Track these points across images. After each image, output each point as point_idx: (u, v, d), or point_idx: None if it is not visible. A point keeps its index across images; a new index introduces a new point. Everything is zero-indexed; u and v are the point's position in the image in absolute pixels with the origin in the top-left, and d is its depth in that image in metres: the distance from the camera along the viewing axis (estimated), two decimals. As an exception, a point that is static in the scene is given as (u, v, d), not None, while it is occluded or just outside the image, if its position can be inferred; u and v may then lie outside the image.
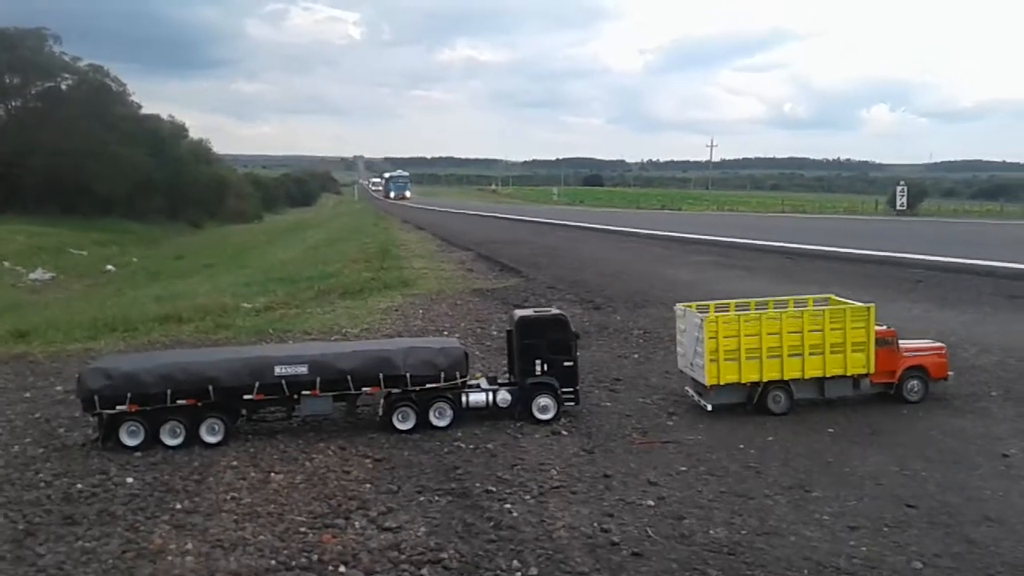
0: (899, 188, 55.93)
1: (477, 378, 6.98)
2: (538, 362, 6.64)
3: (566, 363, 6.67)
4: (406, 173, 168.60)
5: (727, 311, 6.96)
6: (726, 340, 6.51)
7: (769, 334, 6.54)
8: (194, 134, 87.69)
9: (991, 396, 6.84)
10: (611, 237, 29.07)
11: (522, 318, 6.76)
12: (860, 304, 6.69)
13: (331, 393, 6.40)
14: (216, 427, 6.19)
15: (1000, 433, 5.91)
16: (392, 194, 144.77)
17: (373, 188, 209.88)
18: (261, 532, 4.64)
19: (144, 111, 73.79)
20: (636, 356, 8.98)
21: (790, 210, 64.62)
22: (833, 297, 7.18)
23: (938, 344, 7.03)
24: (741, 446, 5.87)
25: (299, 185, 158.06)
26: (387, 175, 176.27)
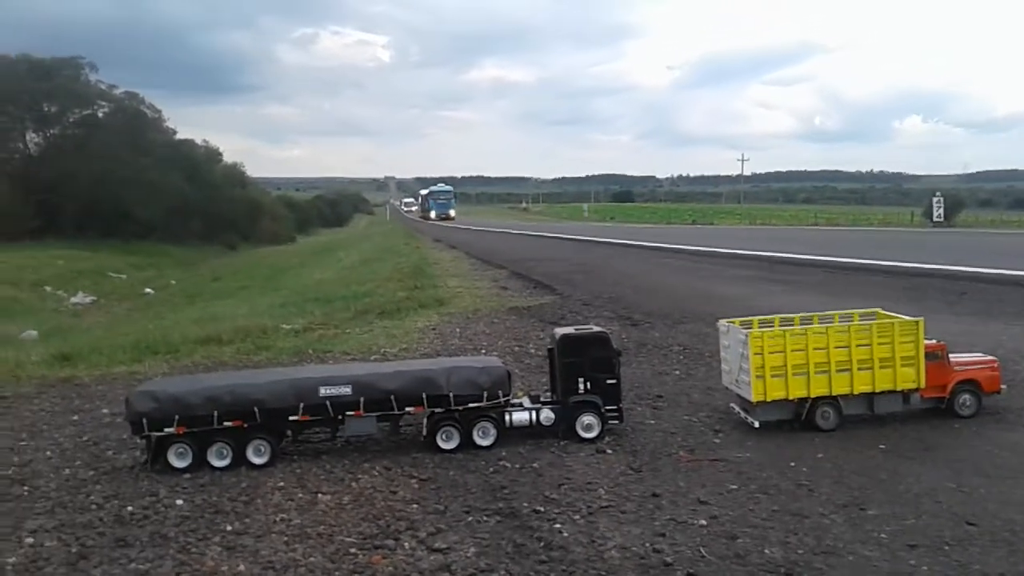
0: (935, 199, 55.20)
1: (519, 397, 6.95)
2: (581, 380, 6.60)
3: (609, 381, 6.62)
4: (449, 187, 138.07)
5: (771, 327, 6.87)
6: (772, 356, 6.43)
7: (816, 349, 6.45)
8: (228, 158, 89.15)
9: (1046, 410, 6.68)
10: (644, 253, 28.95)
11: (564, 336, 6.73)
12: (909, 318, 6.57)
13: (375, 413, 6.41)
14: (262, 448, 6.22)
15: (1058, 448, 5.77)
16: (433, 213, 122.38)
17: (405, 209, 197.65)
18: (312, 553, 4.63)
19: (179, 136, 75.11)
20: (677, 372, 8.90)
21: (824, 223, 63.98)
22: (880, 311, 7.06)
23: (990, 358, 6.90)
24: (792, 463, 5.78)
25: (331, 206, 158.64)
26: (425, 191, 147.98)
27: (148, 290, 37.90)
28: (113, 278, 42.68)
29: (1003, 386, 6.73)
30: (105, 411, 8.15)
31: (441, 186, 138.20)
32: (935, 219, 52.82)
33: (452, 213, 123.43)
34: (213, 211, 69.83)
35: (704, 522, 4.81)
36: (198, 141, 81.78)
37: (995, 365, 6.78)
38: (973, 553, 4.25)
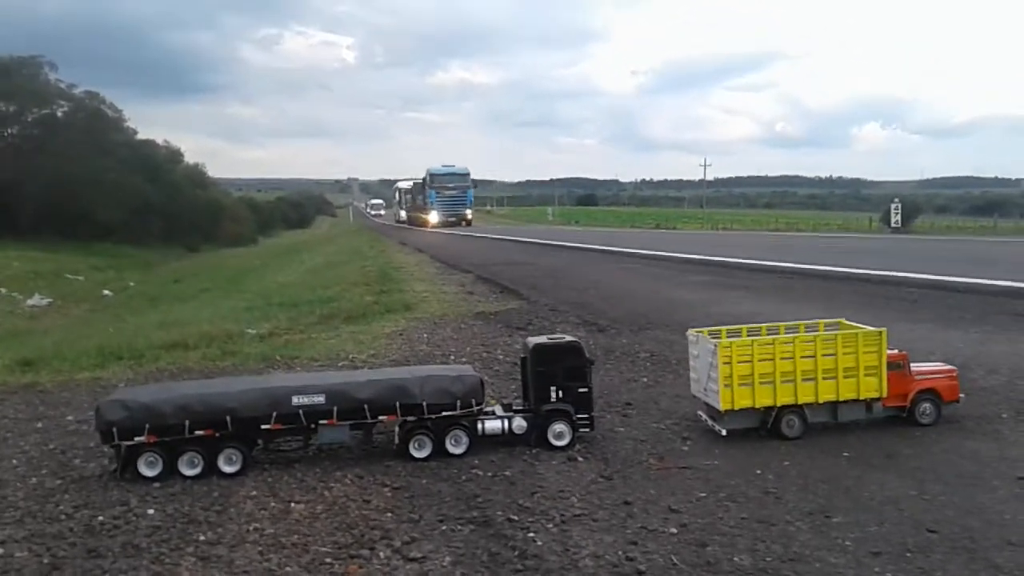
0: (893, 205, 56.25)
1: (492, 405, 7.01)
2: (553, 389, 6.67)
3: (581, 389, 6.70)
4: (464, 169, 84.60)
5: (739, 336, 7.00)
6: (740, 365, 6.55)
7: (782, 359, 6.58)
8: (189, 158, 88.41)
9: (1002, 418, 6.88)
10: (609, 257, 29.15)
11: (537, 345, 6.80)
12: (872, 328, 6.73)
13: (348, 422, 6.42)
14: (234, 457, 6.20)
15: (1014, 455, 5.95)
16: (435, 215, 79.07)
17: (372, 212, 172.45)
18: (287, 564, 4.65)
19: (139, 136, 74.18)
20: (645, 380, 9.01)
21: (785, 228, 64.76)
22: (844, 321, 7.22)
23: (949, 367, 7.08)
24: (758, 471, 5.90)
25: (294, 208, 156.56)
26: (406, 184, 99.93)
27: (106, 292, 37.35)
28: (71, 280, 41.96)
29: (962, 395, 6.91)
30: (71, 418, 8.06)
31: (450, 167, 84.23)
32: (893, 225, 53.80)
33: (468, 215, 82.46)
34: (174, 212, 69.06)
35: (675, 530, 4.90)
36: (159, 141, 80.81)
37: (954, 374, 6.97)
38: (935, 560, 4.38)
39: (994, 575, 4.20)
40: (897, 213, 54.79)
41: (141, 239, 62.13)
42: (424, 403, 6.41)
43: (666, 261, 25.52)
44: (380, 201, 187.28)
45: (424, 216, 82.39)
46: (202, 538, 5.04)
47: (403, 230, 75.87)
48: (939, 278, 15.74)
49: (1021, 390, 7.67)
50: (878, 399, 6.74)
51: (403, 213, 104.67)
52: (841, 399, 6.69)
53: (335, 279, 24.47)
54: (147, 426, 6.03)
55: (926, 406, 6.80)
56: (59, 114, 62.31)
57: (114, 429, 6.01)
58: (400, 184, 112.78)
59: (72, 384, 9.79)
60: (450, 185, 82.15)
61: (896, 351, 6.86)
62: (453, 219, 79.63)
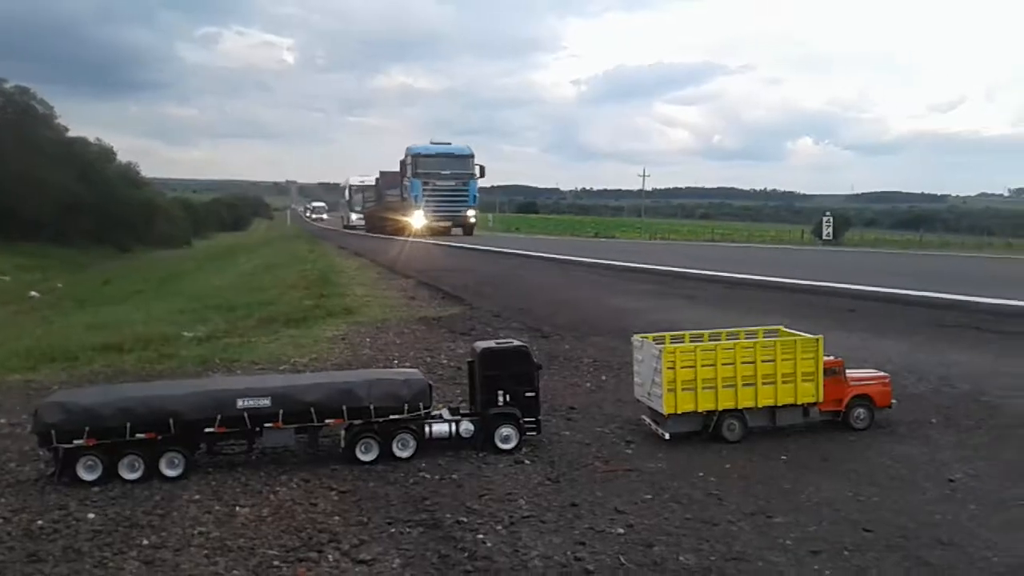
0: (825, 219, 57.87)
1: (439, 409, 7.02)
2: (500, 393, 6.71)
3: (528, 394, 6.75)
4: (466, 148, 61.83)
5: (682, 342, 7.14)
6: (683, 370, 6.69)
7: (724, 364, 6.74)
8: (123, 157, 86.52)
9: (931, 423, 7.14)
10: (551, 265, 29.35)
11: (484, 350, 6.83)
12: (810, 336, 6.93)
13: (294, 425, 6.37)
14: (176, 460, 6.10)
15: (944, 459, 6.19)
16: (419, 216, 56.81)
17: (314, 216, 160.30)
18: (234, 567, 4.60)
19: (71, 134, 72.27)
20: (588, 385, 9.12)
21: (720, 239, 65.88)
22: (782, 328, 7.42)
23: (882, 374, 7.33)
24: (701, 473, 6.02)
25: (230, 209, 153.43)
26: (413, 152, 59.91)
27: (33, 293, 36.26)
28: (-4, 280, 40.63)
29: (894, 400, 7.16)
30: (3, 421, 7.82)
31: (444, 144, 62.26)
32: (824, 237, 55.29)
33: (471, 216, 59.53)
34: (104, 212, 67.45)
35: (622, 531, 4.98)
36: (91, 139, 78.77)
37: (887, 381, 7.21)
38: (870, 558, 4.55)
39: (927, 572, 4.37)
40: (829, 226, 56.39)
41: (70, 239, 60.53)
42: (371, 406, 6.40)
43: (607, 269, 25.79)
44: (322, 204, 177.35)
45: (401, 217, 57.08)
46: (145, 542, 4.95)
47: (344, 236, 72.13)
48: (871, 289, 16.24)
49: (948, 397, 7.97)
50: (815, 404, 6.94)
51: (354, 216, 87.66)
52: (779, 404, 6.87)
53: (273, 282, 24.18)
54: (87, 429, 5.89)
55: (860, 411, 7.03)
56: (-14, 109, 60.61)
57: (52, 432, 5.86)
58: (353, 181, 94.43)
59: (3, 387, 9.49)
60: (445, 172, 57.67)
61: (832, 358, 7.08)
62: (447, 222, 57.28)
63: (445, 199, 58.34)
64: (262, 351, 11.58)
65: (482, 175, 60.47)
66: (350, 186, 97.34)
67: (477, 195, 61.60)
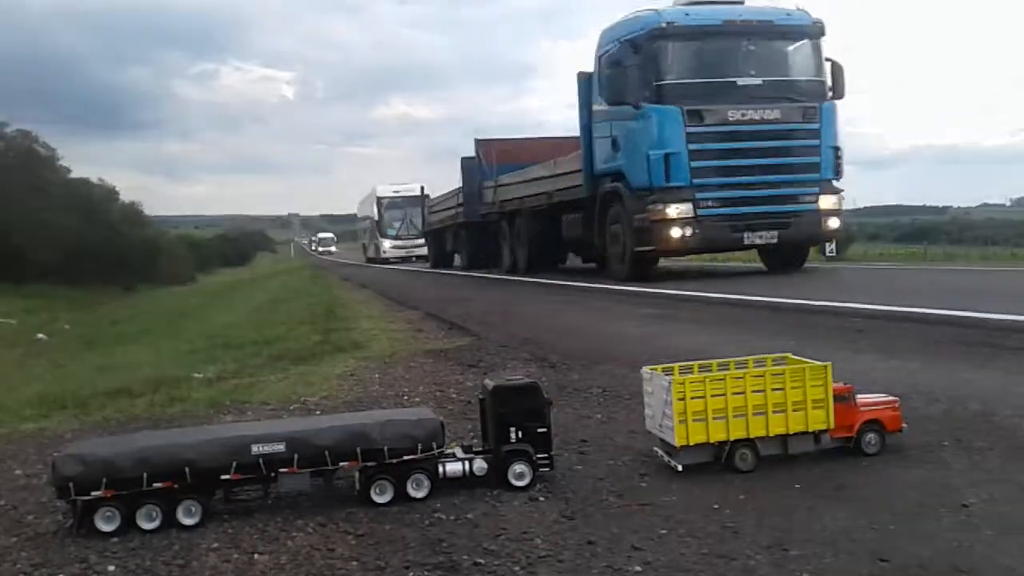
0: (828, 235, 57.70)
1: (451, 447, 7.06)
2: (512, 429, 6.75)
3: (540, 429, 6.79)
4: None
5: (691, 372, 7.18)
6: (693, 401, 6.72)
7: (734, 394, 6.77)
8: (125, 196, 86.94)
9: (944, 446, 7.15)
10: (553, 290, 29.37)
11: (496, 387, 6.88)
12: (818, 363, 6.97)
13: (309, 470, 6.41)
14: (193, 509, 6.14)
15: (957, 483, 6.19)
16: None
17: (321, 249, 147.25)
18: (255, 617, 4.63)
19: (73, 174, 72.85)
20: (599, 416, 9.15)
21: (720, 259, 65.85)
22: (790, 356, 7.46)
23: (892, 398, 7.35)
24: (715, 506, 6.04)
25: (233, 245, 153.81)
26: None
27: (40, 336, 36.37)
28: (2, 323, 40.81)
29: (904, 424, 7.18)
30: (19, 472, 7.87)
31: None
32: (828, 253, 55.21)
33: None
34: (110, 252, 67.74)
35: (639, 568, 5.00)
36: (93, 179, 79.36)
37: (896, 405, 7.23)
38: (888, 588, 4.56)
39: (945, 602, 4.38)
40: (833, 243, 56.31)
41: (76, 280, 60.71)
42: (385, 448, 6.44)
43: (608, 292, 25.82)
44: (330, 235, 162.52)
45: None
46: (166, 594, 4.98)
47: (346, 267, 70.85)
48: (878, 307, 16.24)
49: (960, 418, 7.98)
50: (825, 431, 6.96)
51: (389, 245, 66.97)
52: (791, 432, 6.89)
53: (280, 318, 24.27)
54: (104, 480, 5.94)
55: (871, 436, 7.04)
56: (-10, 154, 61.18)
57: (70, 484, 5.91)
58: (383, 191, 69.68)
59: (17, 436, 9.55)
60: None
61: (842, 384, 7.10)
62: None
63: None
64: (272, 390, 11.64)
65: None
66: (379, 199, 69.82)
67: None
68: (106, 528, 5.98)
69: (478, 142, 36.79)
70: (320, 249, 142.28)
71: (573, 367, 12.08)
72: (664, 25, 19.12)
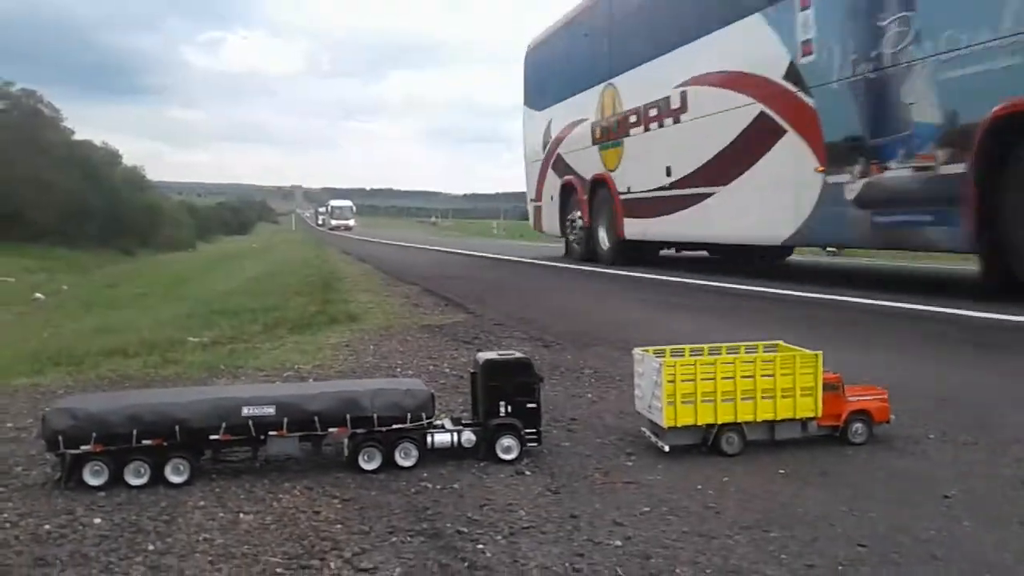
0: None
1: (441, 418, 7.10)
2: (502, 404, 6.79)
3: (529, 405, 6.83)
4: None
5: (682, 355, 7.21)
6: (683, 384, 6.76)
7: (724, 378, 6.81)
8: (128, 160, 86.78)
9: (929, 439, 7.20)
10: (552, 272, 29.43)
11: (487, 361, 6.91)
12: (809, 351, 7.00)
13: (298, 434, 6.45)
14: (181, 467, 6.19)
15: (940, 475, 6.25)
16: None
17: (332, 222, 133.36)
18: (238, 574, 4.68)
19: (77, 137, 72.68)
20: (590, 396, 9.19)
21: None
22: (781, 343, 7.49)
23: (880, 389, 7.39)
24: (699, 486, 6.09)
25: (235, 214, 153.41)
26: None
27: (38, 295, 36.40)
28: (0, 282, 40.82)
29: (892, 416, 7.22)
30: (9, 425, 7.92)
31: None
32: (828, 250, 55.16)
33: None
34: (110, 215, 67.72)
35: (619, 543, 5.05)
36: (97, 142, 79.19)
37: (885, 396, 7.27)
38: (864, 573, 4.61)
39: (919, 588, 4.43)
40: (832, 236, 56.26)
41: (76, 242, 60.67)
42: (375, 416, 6.48)
43: (608, 277, 25.87)
44: (348, 203, 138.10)
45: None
46: (151, 547, 5.04)
47: (347, 241, 71.99)
48: (872, 302, 16.28)
49: (947, 412, 8.04)
50: (813, 418, 7.01)
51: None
52: (778, 418, 6.94)
53: (278, 288, 24.30)
54: (94, 435, 5.98)
55: (858, 426, 7.09)
56: (-6, 111, 61.00)
57: (60, 437, 5.96)
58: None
59: (9, 390, 9.59)
60: None
61: (831, 373, 7.14)
62: None
63: None
64: (266, 357, 11.69)
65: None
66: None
67: None
68: (94, 482, 6.03)
69: None
70: (333, 222, 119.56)
71: (567, 348, 12.12)
72: None
